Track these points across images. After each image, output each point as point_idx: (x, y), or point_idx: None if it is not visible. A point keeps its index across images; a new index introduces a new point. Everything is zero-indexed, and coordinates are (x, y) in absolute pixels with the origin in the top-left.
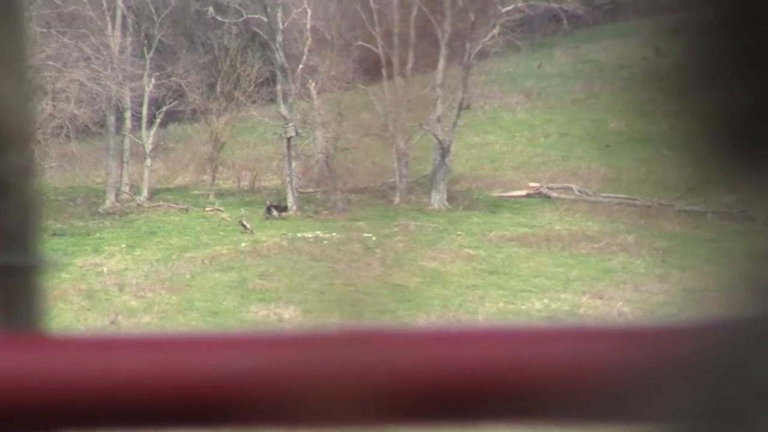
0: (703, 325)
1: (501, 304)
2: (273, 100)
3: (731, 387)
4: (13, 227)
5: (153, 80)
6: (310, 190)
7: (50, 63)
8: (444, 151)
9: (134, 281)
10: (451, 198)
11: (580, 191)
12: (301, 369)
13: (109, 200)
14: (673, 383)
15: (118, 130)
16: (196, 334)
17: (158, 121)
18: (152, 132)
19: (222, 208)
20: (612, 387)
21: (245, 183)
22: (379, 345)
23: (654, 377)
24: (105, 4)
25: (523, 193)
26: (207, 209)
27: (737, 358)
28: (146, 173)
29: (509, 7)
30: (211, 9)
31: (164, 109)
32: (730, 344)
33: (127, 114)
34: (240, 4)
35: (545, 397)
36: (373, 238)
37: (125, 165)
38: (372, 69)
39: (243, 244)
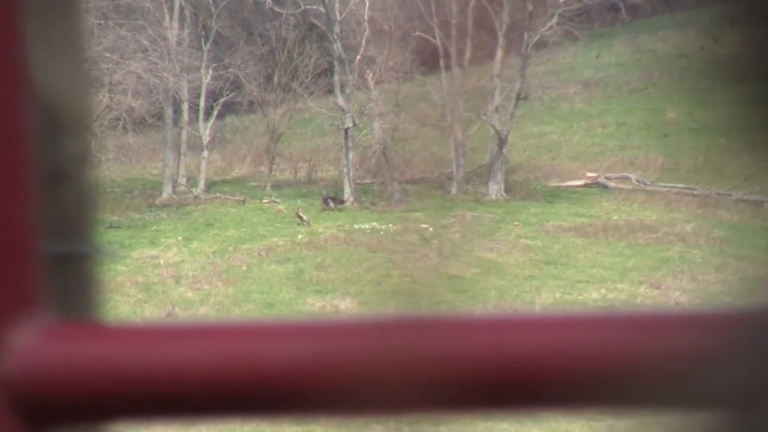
0: (759, 312)
1: (558, 295)
2: (330, 91)
3: None
4: (70, 216)
5: (210, 72)
6: (367, 181)
7: (107, 55)
8: (501, 141)
9: (191, 273)
10: (509, 188)
11: (637, 181)
12: (359, 357)
13: (166, 192)
14: (728, 370)
15: (176, 122)
16: (254, 322)
17: (215, 112)
18: (209, 124)
19: (279, 200)
20: (667, 374)
21: (302, 174)
22: (436, 332)
23: (709, 364)
24: None
25: (581, 183)
26: (264, 201)
27: None
28: (203, 165)
29: None
30: (268, 0)
31: (221, 100)
32: None
33: (185, 106)
34: None
35: (601, 385)
36: (430, 229)
37: (182, 157)
38: (430, 59)
39: (300, 236)
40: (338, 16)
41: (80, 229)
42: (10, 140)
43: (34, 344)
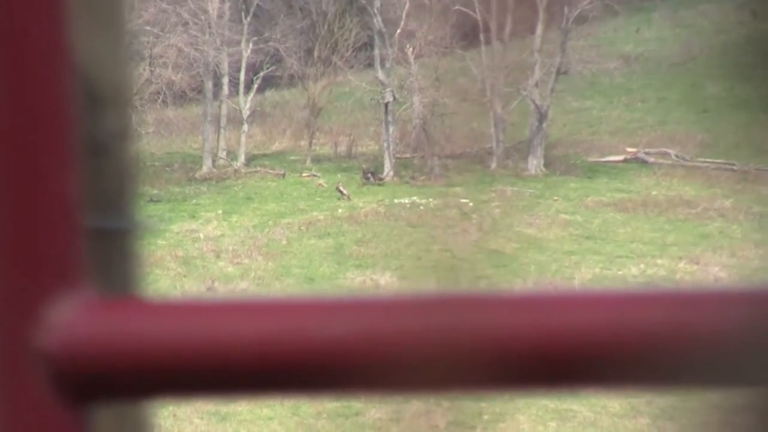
0: None
1: (597, 270)
2: (370, 65)
3: None
4: (110, 190)
5: (251, 45)
6: (407, 155)
7: (148, 28)
8: (541, 116)
9: (231, 247)
10: (548, 163)
11: (677, 156)
12: (400, 334)
13: (206, 166)
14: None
15: (216, 95)
16: (295, 298)
17: (255, 86)
18: (249, 98)
19: (319, 174)
20: (710, 351)
21: (342, 149)
22: (476, 309)
23: (750, 341)
24: None
25: (620, 158)
26: (303, 175)
27: None
28: (243, 139)
29: None
30: None
31: (261, 74)
32: None
33: (225, 80)
34: None
35: (640, 362)
36: (470, 204)
37: (222, 131)
38: (469, 34)
39: (340, 210)
40: None
41: (121, 203)
42: (52, 114)
43: (75, 320)
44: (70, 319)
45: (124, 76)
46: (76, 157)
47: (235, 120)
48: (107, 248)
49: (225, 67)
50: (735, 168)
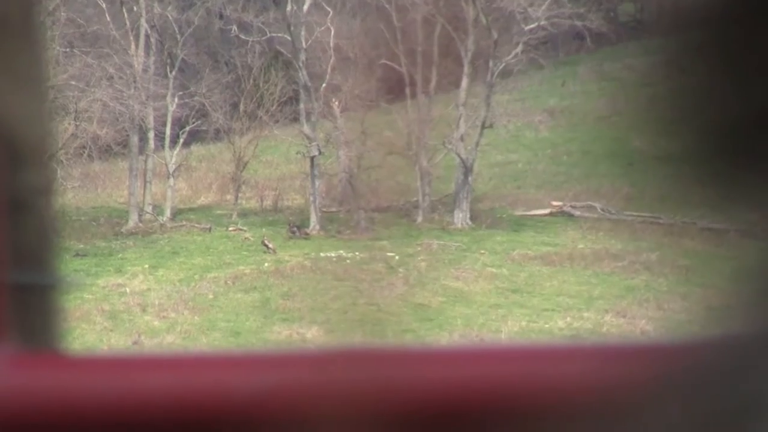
0: (724, 341)
1: (524, 323)
2: (296, 119)
3: (744, 400)
4: (31, 246)
5: (176, 99)
6: (334, 209)
7: (73, 83)
8: (467, 169)
9: (157, 301)
10: (474, 217)
11: (603, 209)
12: (324, 388)
13: (132, 220)
14: (693, 400)
15: (141, 150)
16: (218, 352)
17: (181, 140)
18: (175, 152)
19: (245, 228)
20: (632, 404)
21: (268, 203)
22: (400, 363)
23: (674, 393)
24: (128, 24)
25: (546, 211)
26: (230, 229)
27: (753, 373)
28: (169, 193)
29: (532, 25)
30: (234, 27)
31: (187, 128)
32: (747, 359)
33: (150, 134)
34: (263, 23)
35: (567, 414)
36: (396, 258)
37: (148, 185)
38: (395, 87)
39: (266, 264)
40: (304, 44)
41: (43, 259)
42: None
43: None
44: None
45: (47, 132)
46: None
47: (161, 174)
48: (30, 304)
49: (151, 122)
50: (661, 221)
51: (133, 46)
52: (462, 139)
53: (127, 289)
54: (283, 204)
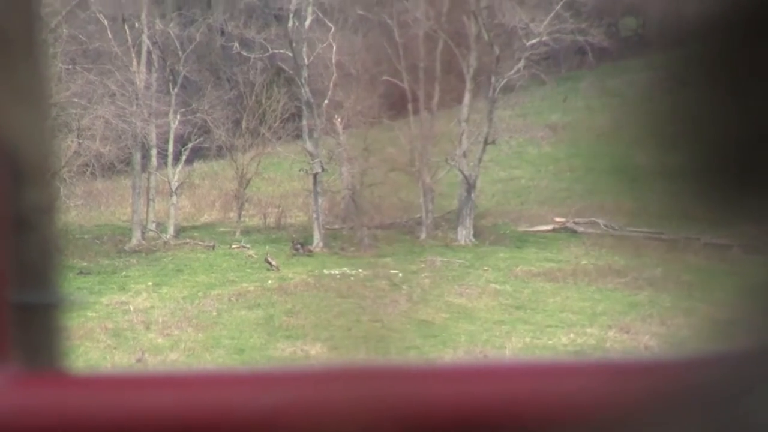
0: (728, 357)
1: (527, 339)
2: (299, 136)
3: (747, 416)
4: (35, 264)
5: (178, 117)
6: (336, 226)
7: (75, 100)
8: (470, 186)
9: (161, 319)
10: (478, 233)
11: (606, 225)
12: (328, 405)
13: (135, 238)
14: (697, 415)
15: (144, 167)
16: (222, 370)
17: (184, 158)
18: (178, 169)
19: (248, 245)
20: (635, 420)
21: (271, 220)
22: (404, 380)
23: (678, 409)
24: (130, 41)
25: (549, 227)
26: (233, 246)
27: (755, 388)
28: (172, 211)
29: (534, 41)
30: (236, 44)
31: (190, 145)
32: (751, 374)
33: (153, 151)
34: (265, 39)
35: (571, 430)
36: (400, 275)
37: (151, 203)
38: (398, 104)
39: (269, 282)
40: (306, 60)
41: (46, 277)
42: None
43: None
44: None
45: (49, 149)
46: (1, 233)
47: (164, 191)
48: (33, 323)
49: (153, 139)
50: (664, 237)
51: (135, 63)
52: (465, 155)
53: (131, 307)
54: (286, 221)
